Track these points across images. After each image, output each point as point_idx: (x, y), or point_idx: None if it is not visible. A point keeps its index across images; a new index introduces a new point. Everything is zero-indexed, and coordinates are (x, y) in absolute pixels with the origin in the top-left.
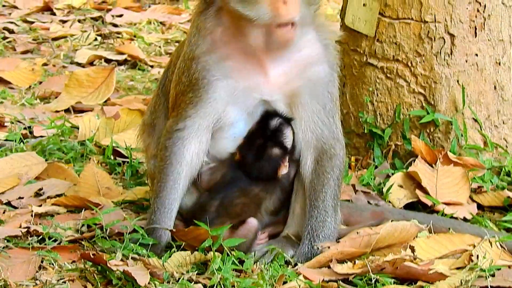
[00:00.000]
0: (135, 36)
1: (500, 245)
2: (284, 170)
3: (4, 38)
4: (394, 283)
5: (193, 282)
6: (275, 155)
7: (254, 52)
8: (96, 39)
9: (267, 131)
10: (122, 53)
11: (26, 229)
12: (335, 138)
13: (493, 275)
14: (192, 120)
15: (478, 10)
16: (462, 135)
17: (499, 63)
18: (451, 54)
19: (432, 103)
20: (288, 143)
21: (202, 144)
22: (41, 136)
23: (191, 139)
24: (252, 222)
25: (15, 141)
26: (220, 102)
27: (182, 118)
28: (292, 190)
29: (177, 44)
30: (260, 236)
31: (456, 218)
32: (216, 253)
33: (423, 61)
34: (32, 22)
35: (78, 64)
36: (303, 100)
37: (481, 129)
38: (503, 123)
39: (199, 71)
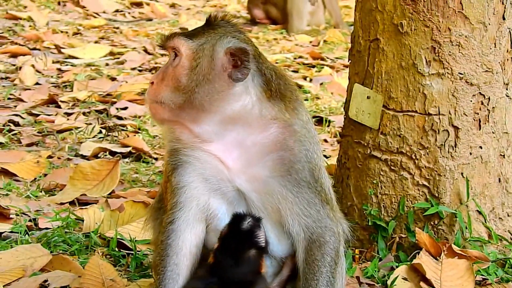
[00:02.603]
0: (139, 129)
1: None
2: (264, 268)
3: (10, 130)
4: None
5: None
6: (252, 257)
7: (193, 142)
8: (100, 132)
9: (240, 233)
10: (126, 146)
11: None
12: (323, 226)
13: None
14: (179, 211)
15: (482, 103)
16: (466, 228)
17: (504, 156)
18: (455, 146)
19: (436, 195)
20: (262, 242)
21: (198, 235)
22: (46, 228)
23: (183, 230)
24: None
25: (20, 233)
26: (194, 188)
27: (171, 210)
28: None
29: None
30: None
31: None
32: None
33: (427, 154)
34: (37, 115)
35: (83, 157)
36: (277, 188)
37: (485, 221)
38: (508, 215)
39: (167, 157)
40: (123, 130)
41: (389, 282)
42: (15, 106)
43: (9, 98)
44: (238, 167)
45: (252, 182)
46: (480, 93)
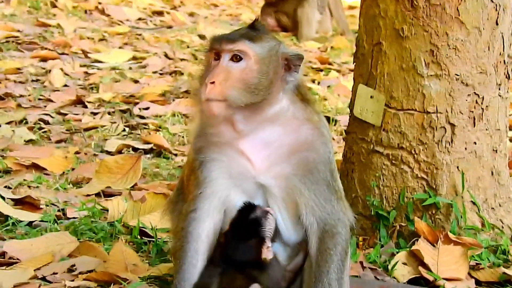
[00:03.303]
0: (160, 127)
1: None
2: (269, 254)
3: (40, 128)
4: None
5: None
6: (253, 245)
7: (229, 142)
8: (124, 130)
9: (247, 222)
10: (148, 143)
11: None
12: (336, 218)
13: None
14: (201, 202)
15: (476, 102)
16: (461, 217)
17: (496, 151)
18: (452, 142)
19: (434, 187)
20: (267, 232)
21: (216, 224)
22: (74, 218)
23: (204, 220)
24: (255, 285)
25: (50, 222)
26: (219, 184)
27: (193, 200)
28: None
29: None
30: None
31: None
32: None
33: (426, 149)
34: (66, 114)
35: (108, 153)
36: (297, 185)
37: (479, 211)
38: (500, 205)
39: (193, 153)
40: (145, 128)
41: (390, 267)
42: (45, 106)
43: (39, 99)
44: (265, 166)
45: (275, 179)
46: (474, 93)
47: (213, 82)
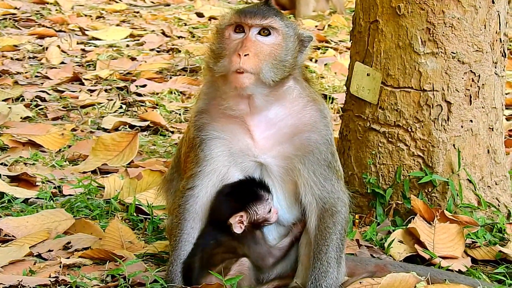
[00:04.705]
0: (157, 105)
1: None
2: (237, 228)
3: (37, 105)
4: None
5: None
6: (230, 207)
7: (240, 116)
8: (121, 107)
9: (246, 189)
10: (145, 120)
11: (55, 279)
12: (336, 197)
13: None
14: (199, 179)
15: (473, 80)
16: (457, 195)
17: (492, 129)
18: (448, 120)
19: (430, 165)
20: (252, 210)
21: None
22: (70, 195)
23: (202, 197)
24: (244, 260)
25: (46, 199)
26: (220, 161)
27: (191, 177)
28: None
29: None
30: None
31: (451, 270)
32: None
33: (422, 127)
34: (63, 91)
35: (104, 130)
36: (297, 165)
37: (475, 189)
38: (496, 184)
39: (194, 131)
40: (142, 105)
41: (386, 245)
42: (42, 83)
43: (36, 76)
44: (267, 145)
45: (276, 158)
46: (471, 71)
47: (247, 54)
